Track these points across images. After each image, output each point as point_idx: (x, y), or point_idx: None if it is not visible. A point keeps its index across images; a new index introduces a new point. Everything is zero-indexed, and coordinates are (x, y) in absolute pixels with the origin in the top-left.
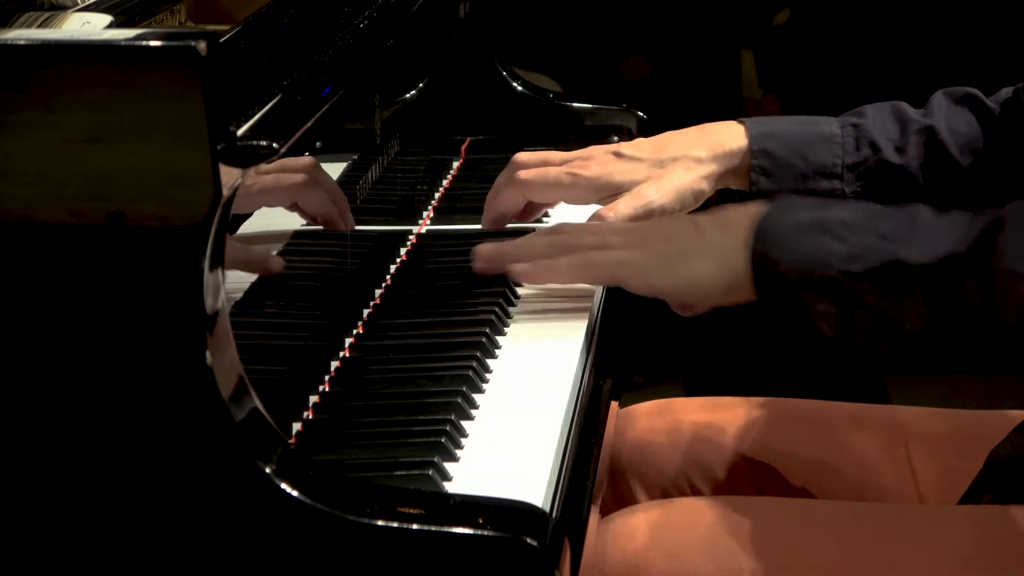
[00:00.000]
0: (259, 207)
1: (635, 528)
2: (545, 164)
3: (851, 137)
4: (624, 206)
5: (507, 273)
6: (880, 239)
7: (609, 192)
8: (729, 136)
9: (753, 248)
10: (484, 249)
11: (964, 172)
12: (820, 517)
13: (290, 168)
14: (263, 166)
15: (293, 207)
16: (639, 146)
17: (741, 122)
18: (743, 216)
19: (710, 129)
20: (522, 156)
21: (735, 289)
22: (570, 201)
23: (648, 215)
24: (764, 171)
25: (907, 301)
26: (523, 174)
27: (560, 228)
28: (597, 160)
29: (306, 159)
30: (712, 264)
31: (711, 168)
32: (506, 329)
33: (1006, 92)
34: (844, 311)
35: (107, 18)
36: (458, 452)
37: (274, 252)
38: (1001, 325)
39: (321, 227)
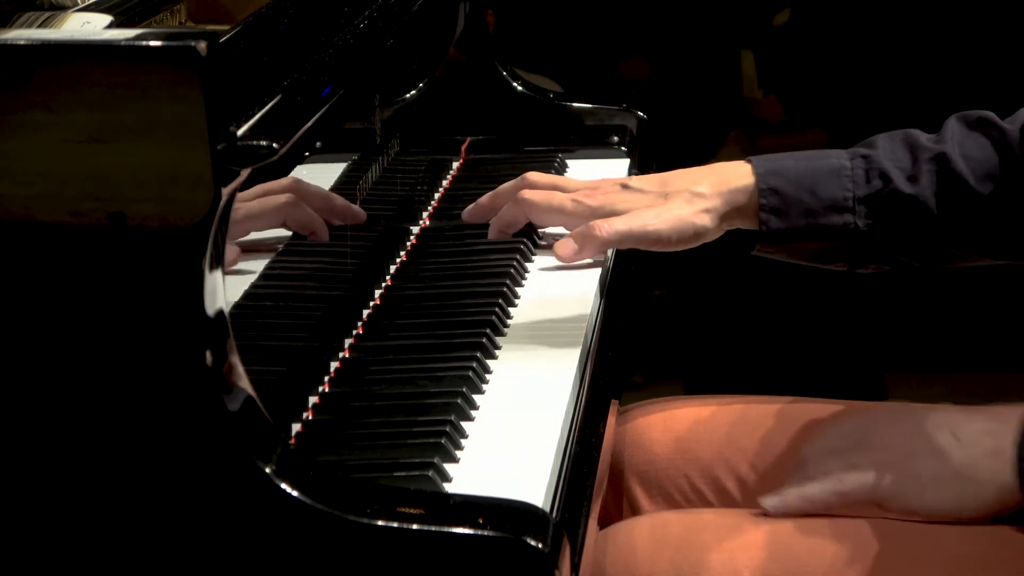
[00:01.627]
0: (247, 233)
1: (637, 540)
2: (555, 188)
3: (861, 169)
4: (621, 222)
5: None
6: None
7: None
8: (735, 174)
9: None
10: None
11: (980, 199)
12: (822, 531)
13: (273, 190)
14: (243, 193)
15: (282, 225)
16: (646, 179)
17: (748, 160)
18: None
19: (716, 167)
20: (533, 176)
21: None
22: (570, 227)
23: (643, 237)
24: (773, 209)
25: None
26: (529, 195)
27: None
28: (603, 190)
29: (287, 179)
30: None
31: (714, 204)
32: (506, 330)
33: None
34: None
35: (107, 18)
36: (458, 453)
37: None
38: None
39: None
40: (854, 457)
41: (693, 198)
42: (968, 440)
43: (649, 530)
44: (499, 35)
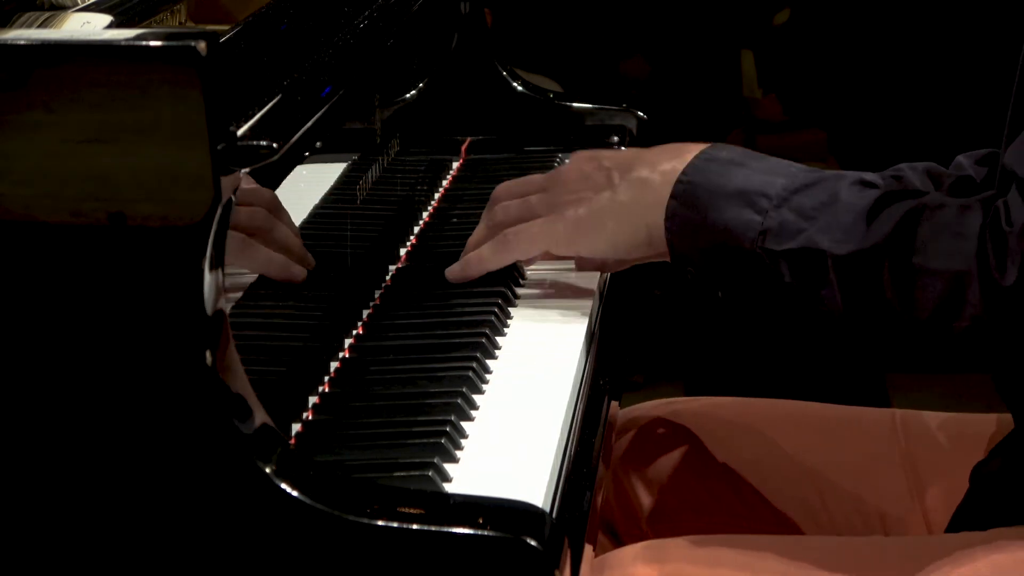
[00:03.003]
0: None
1: (632, 568)
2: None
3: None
4: None
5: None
6: (800, 218)
7: None
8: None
9: (668, 211)
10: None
11: None
12: (819, 553)
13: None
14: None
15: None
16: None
17: None
18: (659, 175)
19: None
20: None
21: (654, 244)
22: None
23: None
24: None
25: (822, 285)
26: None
27: (494, 198)
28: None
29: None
30: (626, 225)
31: None
32: (506, 330)
33: None
34: (759, 283)
35: (107, 18)
36: (458, 453)
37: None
38: (916, 321)
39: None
40: (534, 204)
41: None
42: (625, 183)
43: (643, 556)
44: (497, 35)
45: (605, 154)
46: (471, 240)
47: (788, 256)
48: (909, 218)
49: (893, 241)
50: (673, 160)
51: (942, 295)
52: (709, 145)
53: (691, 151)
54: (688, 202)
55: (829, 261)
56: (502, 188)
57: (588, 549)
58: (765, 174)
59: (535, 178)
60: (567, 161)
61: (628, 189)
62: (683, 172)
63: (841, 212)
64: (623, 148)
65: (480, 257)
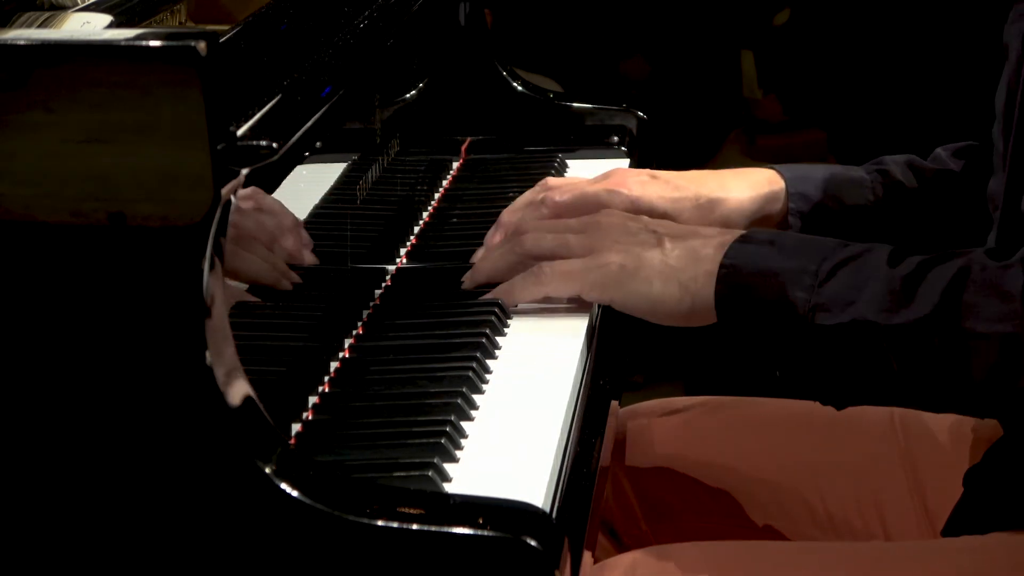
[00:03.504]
0: None
1: (631, 573)
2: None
3: (879, 183)
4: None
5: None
6: (847, 292)
7: None
8: (766, 179)
9: (718, 290)
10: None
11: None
12: (819, 558)
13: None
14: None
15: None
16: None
17: (771, 167)
18: (712, 249)
19: (747, 173)
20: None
21: (695, 315)
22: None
23: None
24: (801, 215)
25: (877, 355)
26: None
27: (520, 228)
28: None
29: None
30: (674, 290)
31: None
32: (506, 330)
33: None
34: (815, 358)
35: (107, 18)
36: (458, 453)
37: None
38: (970, 381)
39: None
40: (572, 243)
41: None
42: (678, 250)
43: (647, 563)
44: (497, 35)
45: (647, 219)
46: (489, 260)
47: (840, 330)
48: (954, 284)
49: (941, 309)
50: (723, 239)
51: (995, 358)
52: (746, 231)
53: (735, 231)
54: (733, 285)
55: (881, 332)
56: (532, 221)
57: (587, 550)
58: (805, 251)
59: (568, 220)
60: (601, 215)
61: (681, 256)
62: (725, 255)
63: (885, 283)
64: (661, 212)
65: (511, 290)
